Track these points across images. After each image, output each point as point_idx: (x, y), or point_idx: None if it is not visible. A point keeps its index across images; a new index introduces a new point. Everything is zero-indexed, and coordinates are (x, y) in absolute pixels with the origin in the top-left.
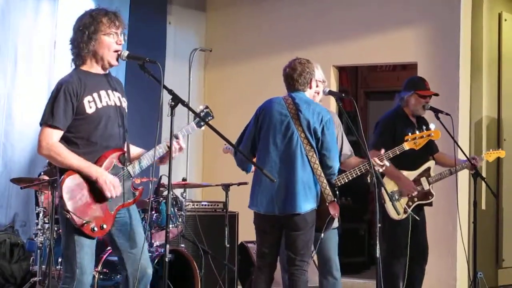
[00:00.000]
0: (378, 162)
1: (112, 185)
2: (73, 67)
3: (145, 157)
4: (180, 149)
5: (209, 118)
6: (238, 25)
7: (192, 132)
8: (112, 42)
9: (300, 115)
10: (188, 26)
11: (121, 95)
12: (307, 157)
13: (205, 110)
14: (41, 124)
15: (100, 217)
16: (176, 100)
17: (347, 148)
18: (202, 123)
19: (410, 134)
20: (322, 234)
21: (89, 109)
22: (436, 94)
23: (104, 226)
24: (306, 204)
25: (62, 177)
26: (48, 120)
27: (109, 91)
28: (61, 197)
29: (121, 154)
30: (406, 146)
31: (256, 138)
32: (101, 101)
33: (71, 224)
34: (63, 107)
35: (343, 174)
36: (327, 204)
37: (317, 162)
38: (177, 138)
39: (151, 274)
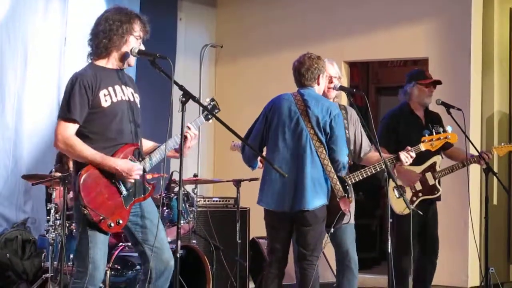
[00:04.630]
0: (412, 154)
1: (130, 172)
2: (90, 60)
3: (157, 152)
4: (195, 136)
5: (216, 111)
6: (248, 21)
7: (201, 125)
8: (137, 46)
9: (309, 112)
10: (199, 22)
11: (134, 90)
12: (316, 153)
13: (211, 103)
14: (58, 118)
15: (116, 213)
16: (187, 96)
17: (366, 144)
18: (210, 116)
19: (426, 135)
20: (332, 229)
21: (105, 102)
22: (439, 82)
23: (120, 221)
24: (316, 200)
25: (79, 172)
26: (64, 113)
27: (123, 86)
28: (78, 193)
29: (135, 149)
30: (423, 147)
31: (264, 134)
32: (116, 95)
33: (87, 219)
34: (78, 100)
35: (357, 172)
36: (337, 199)
37: (327, 158)
38: (189, 128)
39: (173, 266)
